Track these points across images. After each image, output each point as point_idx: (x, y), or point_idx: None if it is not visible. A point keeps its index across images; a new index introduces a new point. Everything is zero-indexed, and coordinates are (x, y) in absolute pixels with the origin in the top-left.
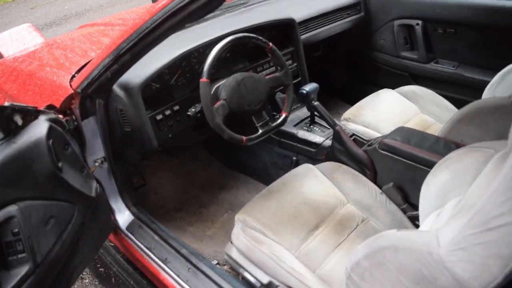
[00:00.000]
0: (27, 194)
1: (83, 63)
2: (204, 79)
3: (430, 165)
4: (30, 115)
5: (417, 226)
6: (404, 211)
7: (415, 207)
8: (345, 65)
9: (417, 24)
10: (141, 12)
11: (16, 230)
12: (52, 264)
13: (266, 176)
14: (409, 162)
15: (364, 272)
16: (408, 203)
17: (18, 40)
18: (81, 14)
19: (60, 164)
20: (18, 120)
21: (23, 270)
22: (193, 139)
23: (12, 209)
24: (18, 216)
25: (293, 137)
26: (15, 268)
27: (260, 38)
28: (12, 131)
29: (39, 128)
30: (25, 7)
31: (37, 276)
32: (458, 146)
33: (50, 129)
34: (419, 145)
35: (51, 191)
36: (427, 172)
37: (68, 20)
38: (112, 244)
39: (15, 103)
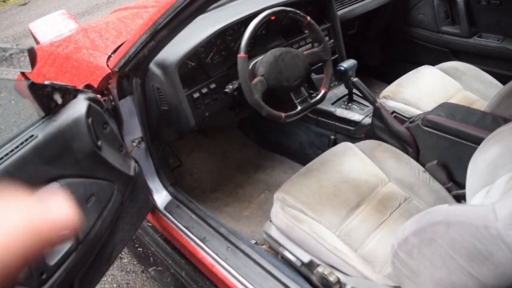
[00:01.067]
0: (68, 171)
1: (118, 44)
2: (242, 54)
3: (478, 141)
4: (69, 93)
5: None
6: (449, 190)
7: (461, 185)
8: (380, 42)
9: None
10: None
11: None
12: (94, 241)
13: (303, 156)
14: (455, 138)
15: (412, 249)
16: (453, 182)
17: (53, 27)
18: (112, 2)
19: (99, 143)
20: (58, 98)
21: (66, 246)
22: (229, 119)
23: (54, 185)
24: None
25: (331, 116)
26: (58, 244)
27: (298, 12)
28: (52, 110)
29: (79, 107)
30: None
31: (79, 253)
32: (506, 121)
33: (89, 108)
34: (465, 120)
35: (91, 169)
36: (474, 149)
37: (99, 8)
38: (150, 224)
39: (54, 82)
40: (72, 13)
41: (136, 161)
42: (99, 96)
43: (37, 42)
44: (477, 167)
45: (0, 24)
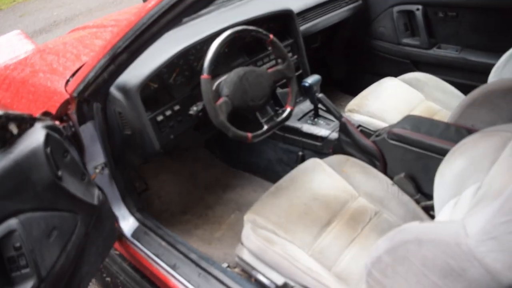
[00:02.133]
0: (27, 205)
1: (77, 67)
2: (205, 76)
3: (443, 152)
4: (26, 123)
5: (432, 216)
6: (417, 201)
7: (429, 196)
8: (344, 55)
9: (417, 9)
10: (134, 12)
11: (18, 244)
12: (58, 277)
13: (272, 173)
14: (420, 150)
15: (386, 268)
16: (421, 193)
17: (8, 48)
18: (70, 19)
19: (59, 173)
20: (13, 129)
21: (28, 286)
22: (195, 139)
23: (12, 222)
24: (19, 229)
25: (298, 132)
26: (19, 284)
27: (261, 30)
28: (8, 141)
29: (36, 136)
30: (14, 15)
31: None
32: (469, 131)
33: (47, 137)
34: (429, 132)
35: (52, 201)
36: (439, 160)
37: (58, 26)
38: (118, 252)
39: (9, 111)
40: (29, 31)
41: (100, 189)
42: (57, 123)
43: None
44: (444, 179)
45: None
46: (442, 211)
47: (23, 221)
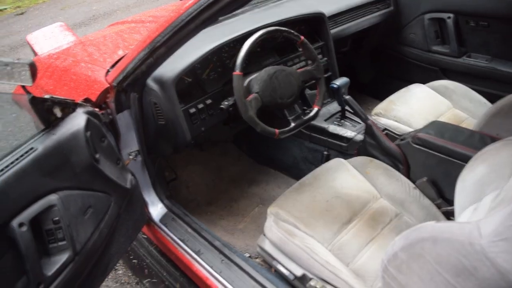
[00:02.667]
0: (66, 184)
1: (117, 58)
2: (237, 72)
3: (465, 159)
4: (69, 107)
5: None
6: (438, 206)
7: (450, 202)
8: (373, 60)
9: (449, 17)
10: (171, 9)
11: (57, 218)
12: (90, 253)
13: (296, 170)
14: (444, 156)
15: (401, 264)
16: (442, 198)
17: (51, 39)
18: (108, 14)
19: (97, 156)
20: (58, 112)
21: (64, 257)
22: (224, 134)
23: (53, 198)
24: (59, 204)
25: (324, 132)
26: (55, 255)
27: (292, 31)
28: (52, 123)
29: (77, 120)
30: (55, 8)
31: (76, 263)
32: (493, 139)
33: (88, 122)
34: (453, 139)
35: (89, 182)
36: (462, 167)
37: (96, 20)
38: (145, 236)
39: (54, 96)
40: (69, 24)
41: (133, 174)
42: (97, 109)
43: (35, 53)
44: (465, 185)
45: None
46: (461, 216)
47: (62, 198)
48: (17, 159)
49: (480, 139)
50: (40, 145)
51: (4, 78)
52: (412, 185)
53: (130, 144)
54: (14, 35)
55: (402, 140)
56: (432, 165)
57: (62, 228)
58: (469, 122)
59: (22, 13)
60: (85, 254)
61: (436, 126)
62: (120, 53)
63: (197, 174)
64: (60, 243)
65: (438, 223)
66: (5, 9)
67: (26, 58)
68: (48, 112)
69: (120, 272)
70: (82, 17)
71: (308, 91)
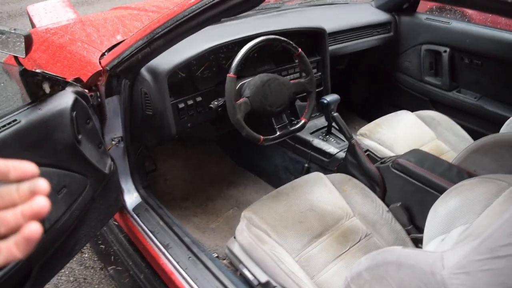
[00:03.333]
0: (44, 160)
1: (114, 42)
2: (231, 74)
3: (441, 190)
4: (58, 85)
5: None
6: (408, 232)
7: (420, 230)
8: (366, 81)
9: (445, 51)
10: (175, 1)
11: None
12: (58, 232)
13: (276, 179)
14: (420, 184)
15: (364, 284)
16: (413, 225)
17: (52, 13)
18: None
19: (79, 137)
20: (47, 88)
21: None
22: (210, 133)
23: None
24: None
25: (308, 144)
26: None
27: (291, 42)
28: (39, 98)
29: (65, 99)
30: None
31: (42, 241)
32: (470, 175)
33: (75, 101)
34: (432, 169)
35: (68, 162)
36: (436, 197)
37: (99, 0)
38: (116, 223)
39: (45, 71)
40: (72, 2)
41: (113, 160)
42: (86, 91)
43: (33, 25)
44: (437, 215)
45: None
46: (429, 245)
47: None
48: None
49: (457, 173)
50: (24, 118)
51: None
52: (386, 208)
53: (115, 130)
54: (14, 3)
55: (382, 163)
56: (408, 191)
57: None
58: (450, 155)
59: None
60: (53, 232)
61: (417, 154)
62: (119, 38)
63: (177, 168)
64: None
65: (405, 248)
66: None
67: (23, 28)
68: (37, 86)
69: (86, 255)
70: None
71: (298, 102)
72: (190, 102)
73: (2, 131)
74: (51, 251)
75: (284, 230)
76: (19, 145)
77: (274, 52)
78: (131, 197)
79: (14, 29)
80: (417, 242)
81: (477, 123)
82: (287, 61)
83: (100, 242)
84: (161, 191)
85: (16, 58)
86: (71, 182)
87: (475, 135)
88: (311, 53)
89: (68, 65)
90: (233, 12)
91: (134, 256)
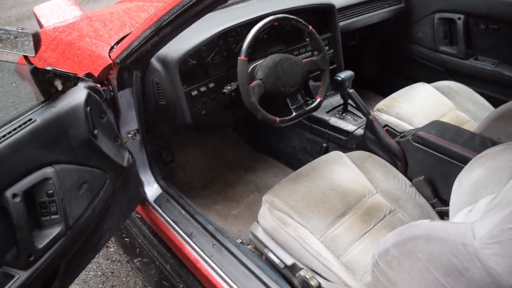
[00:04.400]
0: (62, 157)
1: (122, 35)
2: (242, 57)
3: (464, 160)
4: (70, 81)
5: None
6: (433, 206)
7: (445, 202)
8: (379, 55)
9: (459, 18)
10: None
11: (51, 191)
12: (82, 228)
13: (294, 160)
14: (442, 156)
15: (392, 260)
16: (438, 198)
17: (58, 12)
18: None
19: (95, 132)
20: (59, 85)
21: (56, 230)
22: (224, 119)
23: (48, 170)
24: (54, 178)
25: (325, 124)
26: (47, 228)
27: (301, 20)
28: (52, 95)
29: (78, 95)
30: None
31: (67, 238)
32: (494, 143)
33: (88, 97)
34: (453, 139)
35: (86, 157)
36: (460, 168)
37: None
38: (139, 216)
39: (56, 68)
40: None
41: (130, 153)
42: (98, 85)
43: (40, 25)
44: (462, 186)
45: (4, 3)
46: (456, 217)
47: (58, 171)
48: (14, 129)
49: (480, 142)
50: (39, 117)
51: (7, 47)
52: (408, 182)
53: (130, 123)
54: (20, 7)
55: (402, 137)
56: (430, 164)
57: (56, 202)
58: (471, 124)
59: None
60: (77, 229)
61: (437, 126)
62: (128, 29)
63: (193, 157)
64: (53, 217)
65: (433, 221)
66: None
67: (30, 28)
68: (49, 84)
69: (112, 249)
70: None
71: (312, 83)
72: (203, 89)
73: (18, 131)
74: (76, 247)
75: (307, 211)
76: (36, 144)
77: (283, 32)
78: (151, 189)
79: (22, 29)
80: (443, 215)
81: (496, 90)
82: (297, 41)
83: (124, 235)
84: (180, 181)
85: (26, 57)
86: (91, 178)
87: (495, 103)
88: (322, 31)
89: (78, 62)
90: None
91: (158, 247)
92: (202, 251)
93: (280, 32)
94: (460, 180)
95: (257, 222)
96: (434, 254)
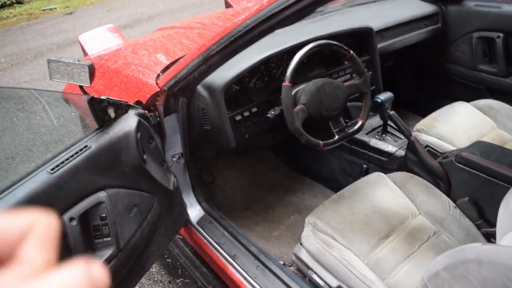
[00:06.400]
0: (115, 182)
1: (166, 63)
2: (287, 83)
3: (511, 181)
4: (122, 108)
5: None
6: (478, 227)
7: (491, 224)
8: (416, 76)
9: (498, 36)
10: (218, 16)
11: (104, 215)
12: (132, 250)
13: (333, 182)
14: (488, 177)
15: (443, 283)
16: (483, 219)
17: (101, 40)
18: (153, 17)
19: (145, 157)
20: (111, 113)
21: (108, 252)
22: (265, 141)
23: (101, 195)
24: (107, 202)
25: (365, 145)
26: (100, 250)
27: (342, 45)
28: (106, 123)
29: (129, 122)
30: (102, 9)
31: (119, 259)
32: None
33: (139, 123)
34: (499, 160)
35: (136, 181)
36: (506, 189)
37: (140, 23)
38: (180, 237)
39: (110, 97)
40: (115, 25)
41: (175, 176)
42: (147, 112)
43: (85, 53)
44: (509, 208)
45: (46, 31)
46: (503, 240)
47: (110, 195)
48: (72, 156)
49: None
50: (94, 143)
51: (65, 78)
52: (452, 204)
53: (175, 147)
54: (61, 34)
55: (444, 158)
56: (475, 185)
57: (108, 225)
58: None
59: (70, 13)
60: (127, 251)
61: (481, 147)
62: (172, 55)
63: (233, 178)
64: (105, 239)
65: (484, 245)
66: (55, 8)
67: (72, 57)
68: (103, 112)
69: (154, 270)
70: (128, 19)
71: (349, 103)
72: (246, 113)
73: (75, 157)
74: (126, 268)
75: (350, 233)
76: (92, 169)
77: (322, 56)
78: (194, 211)
79: (78, 60)
80: (489, 237)
81: None
82: (336, 64)
83: (166, 256)
84: (220, 202)
85: (81, 87)
86: (140, 201)
87: None
88: (360, 53)
89: (125, 89)
90: (285, 24)
91: (201, 268)
92: (246, 272)
93: (319, 56)
94: (507, 201)
95: (301, 244)
96: (487, 279)
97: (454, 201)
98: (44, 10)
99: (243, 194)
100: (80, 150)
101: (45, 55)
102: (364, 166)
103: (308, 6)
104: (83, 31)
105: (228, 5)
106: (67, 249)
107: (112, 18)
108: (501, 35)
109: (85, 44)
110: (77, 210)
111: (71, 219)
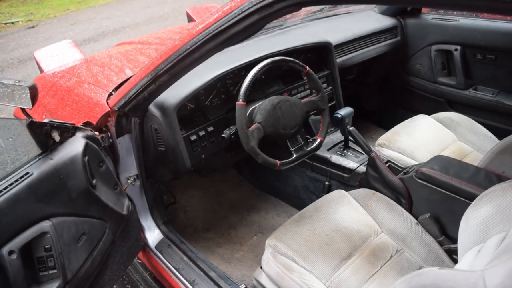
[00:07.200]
0: (60, 210)
1: (120, 81)
2: (240, 102)
3: (470, 197)
4: (68, 131)
5: (454, 260)
6: (440, 244)
7: (453, 239)
8: (378, 89)
9: (456, 49)
10: (177, 31)
11: (49, 246)
12: (82, 281)
13: (297, 199)
14: (448, 193)
15: None
16: (445, 235)
17: (58, 56)
18: (118, 31)
19: (94, 181)
20: (56, 136)
21: (54, 285)
22: (225, 160)
23: (45, 224)
24: (51, 232)
25: (326, 162)
26: (45, 284)
27: (298, 61)
28: (49, 147)
29: (76, 145)
30: (66, 23)
31: None
32: (499, 178)
33: (86, 146)
34: (458, 175)
35: (84, 208)
36: (466, 204)
37: (105, 36)
38: (140, 262)
39: (53, 120)
40: (78, 40)
41: (130, 199)
42: (97, 133)
43: (41, 70)
44: (469, 224)
45: (7, 46)
46: (465, 257)
47: (56, 224)
48: (11, 184)
49: (485, 177)
50: (36, 170)
51: (5, 100)
52: (414, 220)
53: (129, 168)
54: (23, 48)
55: (405, 173)
56: (436, 201)
57: (54, 256)
58: (474, 155)
59: (33, 27)
60: (76, 282)
61: (441, 161)
62: (127, 73)
63: (195, 199)
64: (50, 272)
65: (442, 270)
66: (17, 21)
67: (32, 73)
68: (46, 136)
69: None
70: (92, 33)
71: (312, 117)
72: (201, 133)
73: (15, 185)
74: None
75: (311, 255)
76: (33, 197)
77: (281, 71)
78: (153, 234)
79: (19, 82)
80: (451, 253)
81: (497, 119)
82: (295, 79)
83: (126, 282)
84: (182, 223)
85: (23, 109)
86: (90, 229)
87: (496, 132)
88: (319, 68)
89: (77, 109)
90: (234, 40)
91: None
92: None
93: (278, 72)
94: (467, 217)
95: (261, 267)
96: None
97: (416, 218)
98: (5, 23)
99: (205, 214)
100: (21, 177)
101: (5, 71)
102: (326, 183)
103: (254, 23)
104: (46, 45)
105: (190, 19)
106: (7, 286)
107: (76, 32)
108: (459, 47)
109: (40, 60)
110: (17, 242)
111: (11, 252)
